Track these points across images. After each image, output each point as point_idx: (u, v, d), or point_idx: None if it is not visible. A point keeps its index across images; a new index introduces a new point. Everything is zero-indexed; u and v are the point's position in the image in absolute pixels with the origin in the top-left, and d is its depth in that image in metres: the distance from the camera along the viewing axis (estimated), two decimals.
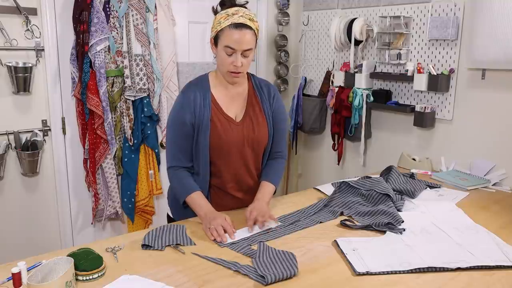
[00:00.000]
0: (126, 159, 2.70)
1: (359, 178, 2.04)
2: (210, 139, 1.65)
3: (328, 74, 3.13)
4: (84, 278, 1.22)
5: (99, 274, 1.24)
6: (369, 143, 2.98)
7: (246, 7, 1.63)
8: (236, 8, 1.58)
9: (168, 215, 1.89)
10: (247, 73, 1.74)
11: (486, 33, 2.11)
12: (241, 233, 1.54)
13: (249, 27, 1.56)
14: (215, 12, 1.63)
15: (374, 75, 2.79)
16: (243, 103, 1.72)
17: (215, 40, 1.60)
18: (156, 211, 2.94)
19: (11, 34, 2.34)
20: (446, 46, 2.45)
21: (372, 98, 2.78)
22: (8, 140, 2.41)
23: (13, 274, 1.12)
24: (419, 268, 1.31)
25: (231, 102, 1.71)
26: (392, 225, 1.60)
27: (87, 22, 2.41)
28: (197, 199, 1.64)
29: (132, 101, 2.65)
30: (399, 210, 1.78)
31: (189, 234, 1.54)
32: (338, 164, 3.17)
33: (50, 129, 2.55)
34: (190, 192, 1.65)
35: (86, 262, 1.24)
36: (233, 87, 1.71)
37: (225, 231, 1.51)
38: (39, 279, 1.13)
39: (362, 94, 2.78)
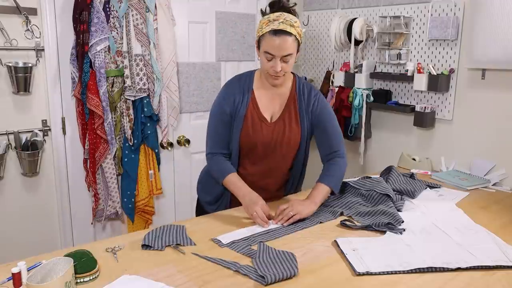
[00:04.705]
0: (126, 159, 2.70)
1: (359, 178, 2.04)
2: (240, 134, 1.73)
3: (328, 74, 3.13)
4: (76, 281, 1.21)
5: (91, 278, 1.23)
6: (369, 143, 2.97)
7: (293, 10, 1.66)
8: (278, 14, 1.61)
9: (197, 206, 2.00)
10: (294, 74, 1.82)
11: (486, 33, 2.11)
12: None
13: (289, 33, 1.59)
14: (263, 14, 1.68)
15: (374, 75, 2.79)
16: (282, 105, 1.79)
17: (258, 43, 1.68)
18: (156, 211, 2.94)
19: (11, 34, 2.34)
20: (446, 46, 2.45)
21: (372, 98, 2.78)
22: (8, 140, 2.41)
23: (13, 274, 1.12)
24: (419, 268, 1.31)
25: (270, 102, 1.79)
26: (392, 225, 1.60)
27: (87, 22, 2.41)
28: (234, 181, 1.73)
29: (132, 101, 2.65)
30: (399, 210, 1.78)
31: (189, 234, 1.54)
32: None
33: (50, 129, 2.55)
34: (226, 174, 1.74)
35: (78, 264, 1.23)
36: (274, 88, 1.78)
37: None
38: (39, 279, 1.13)
39: (362, 94, 2.78)
